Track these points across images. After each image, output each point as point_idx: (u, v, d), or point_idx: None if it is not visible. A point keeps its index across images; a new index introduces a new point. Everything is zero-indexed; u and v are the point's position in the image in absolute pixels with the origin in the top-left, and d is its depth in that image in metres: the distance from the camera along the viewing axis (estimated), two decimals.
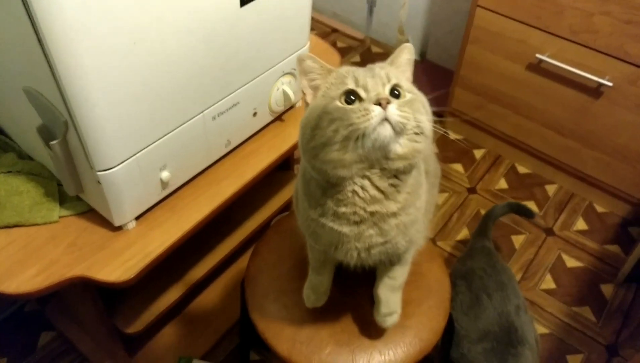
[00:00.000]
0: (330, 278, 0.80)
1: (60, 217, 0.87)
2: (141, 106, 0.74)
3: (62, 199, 0.88)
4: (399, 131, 0.53)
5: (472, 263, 1.17)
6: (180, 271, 1.13)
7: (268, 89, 0.96)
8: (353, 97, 0.55)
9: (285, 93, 0.99)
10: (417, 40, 2.08)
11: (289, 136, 1.05)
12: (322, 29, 2.24)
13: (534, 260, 1.45)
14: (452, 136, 1.79)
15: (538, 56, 1.43)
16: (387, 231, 0.61)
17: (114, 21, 0.64)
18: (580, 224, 1.55)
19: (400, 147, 0.54)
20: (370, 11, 2.15)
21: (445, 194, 1.61)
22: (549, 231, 1.52)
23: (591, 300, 1.37)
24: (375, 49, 2.18)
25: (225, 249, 1.19)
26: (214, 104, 0.86)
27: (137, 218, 0.87)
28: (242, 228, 1.23)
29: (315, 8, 2.27)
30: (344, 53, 2.13)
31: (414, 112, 0.54)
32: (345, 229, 0.60)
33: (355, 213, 0.58)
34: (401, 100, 0.55)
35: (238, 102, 0.91)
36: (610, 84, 1.34)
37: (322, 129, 0.54)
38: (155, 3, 0.67)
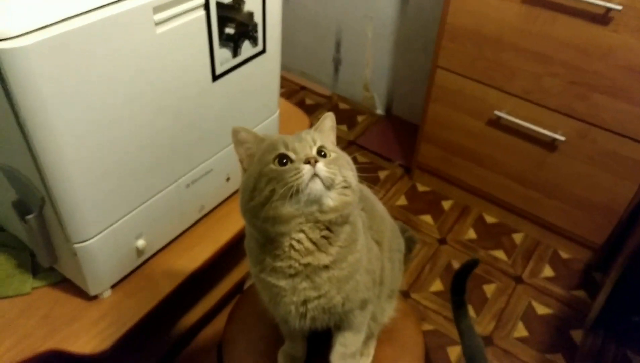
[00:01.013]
0: (303, 344, 0.81)
1: (32, 288, 0.86)
2: (117, 180, 0.76)
3: (35, 269, 0.89)
4: (328, 185, 0.59)
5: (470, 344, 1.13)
6: (154, 335, 1.12)
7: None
8: (285, 160, 0.60)
9: None
10: (383, 96, 2.17)
11: None
12: (290, 87, 2.33)
13: (506, 308, 1.49)
14: (420, 188, 1.85)
15: (496, 112, 1.52)
16: (319, 285, 0.64)
17: (91, 103, 0.67)
18: (547, 271, 1.60)
19: (331, 200, 0.60)
20: (336, 69, 2.25)
21: (417, 246, 1.65)
22: (519, 279, 1.57)
23: (563, 347, 1.40)
24: (342, 105, 2.26)
25: (199, 311, 1.18)
26: (187, 173, 0.90)
27: (112, 286, 0.88)
28: (216, 289, 1.23)
29: (284, 67, 2.36)
30: (313, 110, 2.21)
31: (340, 168, 0.61)
32: (282, 282, 0.64)
33: (290, 266, 0.63)
34: (327, 159, 0.61)
35: (211, 170, 0.94)
36: (563, 138, 1.43)
37: (260, 190, 0.60)
38: (130, 84, 0.71)
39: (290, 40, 2.26)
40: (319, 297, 0.65)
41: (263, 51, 0.92)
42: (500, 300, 1.51)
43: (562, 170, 1.50)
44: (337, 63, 2.23)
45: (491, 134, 1.59)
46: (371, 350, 0.87)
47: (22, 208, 0.78)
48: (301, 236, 0.61)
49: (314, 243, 0.62)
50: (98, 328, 0.82)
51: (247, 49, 0.88)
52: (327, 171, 0.58)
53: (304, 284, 0.64)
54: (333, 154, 0.62)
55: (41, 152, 0.66)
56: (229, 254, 1.29)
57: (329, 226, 0.62)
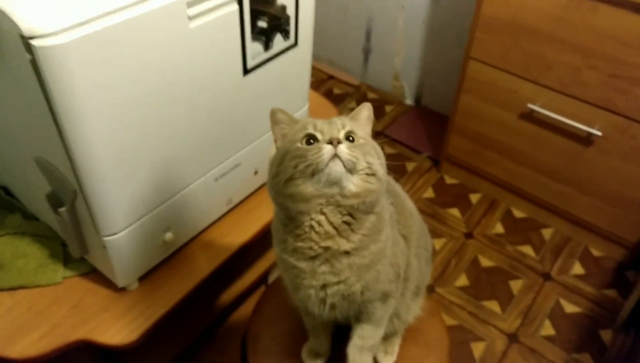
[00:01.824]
0: (327, 339, 0.80)
1: (63, 278, 0.88)
2: (147, 175, 0.76)
3: (66, 259, 0.90)
4: (349, 168, 0.58)
5: None
6: (181, 325, 1.13)
7: (268, 149, 0.99)
8: (312, 140, 0.61)
9: None
10: (412, 87, 2.13)
11: None
12: (319, 76, 2.30)
13: (533, 306, 1.46)
14: (448, 180, 1.82)
15: (529, 105, 1.47)
16: (339, 270, 0.64)
17: (124, 98, 0.67)
18: (577, 269, 1.56)
19: (354, 186, 0.59)
20: (366, 58, 2.21)
21: (443, 240, 1.62)
22: (547, 276, 1.54)
23: (591, 347, 1.37)
24: (370, 95, 2.23)
25: (223, 302, 1.19)
26: (216, 167, 0.89)
27: (140, 279, 0.88)
28: (240, 281, 1.24)
29: (314, 57, 2.33)
30: (341, 99, 2.18)
31: (364, 154, 0.60)
32: (302, 264, 0.64)
33: (310, 247, 0.62)
34: (353, 143, 0.61)
35: (240, 163, 0.94)
36: (599, 133, 1.38)
37: (284, 166, 0.60)
38: (163, 78, 0.71)
39: (319, 29, 2.23)
40: (338, 283, 0.65)
41: (295, 44, 0.90)
42: (527, 297, 1.48)
43: (597, 166, 1.45)
44: (366, 52, 2.19)
45: (523, 127, 1.54)
46: (395, 348, 0.86)
47: (55, 200, 0.79)
48: (321, 218, 0.61)
49: (335, 228, 0.62)
50: (126, 319, 0.84)
51: (279, 42, 0.86)
52: (348, 154, 0.58)
53: (324, 268, 0.64)
54: (361, 141, 0.62)
55: (74, 146, 0.66)
56: (255, 245, 1.30)
57: (351, 213, 0.62)
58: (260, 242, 1.33)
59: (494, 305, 1.45)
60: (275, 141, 0.68)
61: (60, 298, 0.86)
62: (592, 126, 1.39)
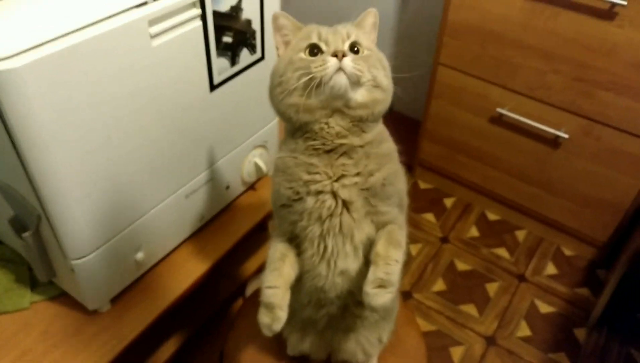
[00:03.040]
0: (286, 284, 0.66)
1: (31, 303, 0.86)
2: (114, 196, 0.75)
3: (33, 283, 0.88)
4: (354, 81, 0.58)
5: None
6: (155, 342, 1.11)
7: (240, 163, 0.99)
8: (316, 51, 0.60)
9: (257, 165, 1.01)
10: None
11: (262, 204, 1.07)
12: None
13: (509, 307, 1.48)
14: (422, 186, 1.84)
15: (499, 110, 1.50)
16: (358, 160, 0.62)
17: (87, 121, 0.66)
18: (551, 269, 1.59)
19: (359, 96, 0.60)
20: None
21: (419, 245, 1.64)
22: (521, 277, 1.56)
23: (566, 346, 1.40)
24: None
25: (201, 316, 1.18)
26: (186, 184, 0.88)
27: (112, 300, 0.87)
28: (217, 293, 1.23)
29: None
30: None
31: (369, 66, 0.60)
32: (314, 159, 0.62)
33: (324, 144, 0.62)
34: (358, 55, 0.60)
35: (211, 179, 0.93)
36: (566, 136, 1.41)
37: (287, 76, 0.60)
38: (127, 99, 0.69)
39: None
40: (357, 174, 0.62)
41: (262, 58, 0.90)
42: (503, 299, 1.50)
43: (565, 167, 1.48)
44: None
45: (494, 131, 1.57)
46: (374, 361, 0.86)
47: (18, 225, 0.77)
48: (330, 120, 0.61)
49: (346, 130, 0.61)
50: (98, 342, 0.82)
51: (245, 56, 0.86)
52: (353, 67, 0.58)
53: (342, 160, 0.62)
54: (366, 52, 0.62)
55: (35, 171, 0.65)
56: (231, 258, 1.29)
57: (359, 121, 0.61)
58: (236, 255, 1.32)
59: (471, 309, 1.47)
60: (277, 49, 0.66)
61: (28, 324, 0.83)
62: (558, 129, 1.42)
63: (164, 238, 0.90)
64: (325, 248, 0.65)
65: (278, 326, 0.63)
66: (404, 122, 2.11)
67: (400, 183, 0.69)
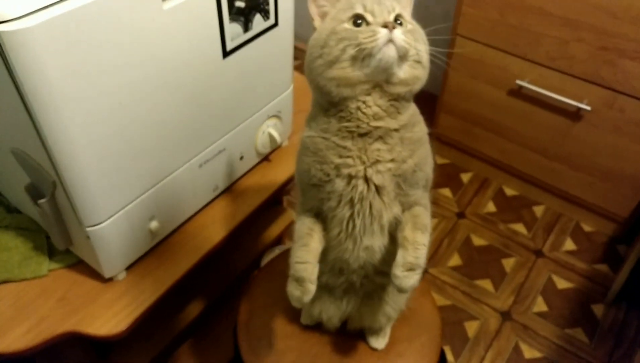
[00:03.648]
0: (315, 257, 0.67)
1: (49, 270, 0.87)
2: (128, 162, 0.75)
3: (51, 251, 0.89)
4: (402, 55, 0.57)
5: None
6: (171, 314, 1.12)
7: (254, 134, 0.98)
8: (360, 21, 0.58)
9: (271, 136, 1.00)
10: None
11: (276, 176, 1.06)
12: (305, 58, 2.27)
13: (525, 283, 1.47)
14: (439, 160, 1.81)
15: (518, 82, 1.46)
16: (392, 146, 0.61)
17: (99, 84, 0.65)
18: (569, 245, 1.57)
19: (402, 72, 0.58)
20: None
21: (435, 220, 1.62)
22: (539, 253, 1.54)
23: (583, 321, 1.38)
24: None
25: (216, 288, 1.19)
26: (200, 153, 0.88)
27: (127, 268, 0.87)
28: (233, 266, 1.23)
29: (297, 38, 2.30)
30: None
31: (415, 40, 0.59)
32: (348, 143, 0.61)
33: (359, 126, 0.60)
34: (404, 28, 0.59)
35: (224, 149, 0.92)
36: (588, 108, 1.37)
37: (330, 47, 0.58)
38: (139, 63, 0.69)
39: (304, 10, 2.19)
40: (392, 160, 0.62)
41: (275, 24, 0.88)
42: (520, 275, 1.48)
43: (587, 141, 1.45)
44: None
45: (513, 104, 1.53)
46: (387, 330, 0.86)
47: (34, 192, 0.77)
48: (368, 98, 0.59)
49: (384, 110, 0.60)
50: (114, 309, 0.82)
51: (258, 23, 0.84)
52: (403, 40, 0.56)
53: (377, 145, 0.61)
54: (409, 26, 0.60)
55: (49, 136, 0.64)
56: (246, 231, 1.29)
57: (396, 99, 0.60)
58: (251, 228, 1.32)
59: (487, 284, 1.46)
60: (313, 21, 0.64)
61: (46, 291, 0.85)
62: (580, 101, 1.38)
63: (177, 207, 0.90)
64: (354, 227, 0.66)
65: (308, 298, 0.66)
66: (421, 97, 2.07)
67: (428, 166, 0.68)
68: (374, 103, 0.59)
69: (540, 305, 1.41)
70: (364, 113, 0.59)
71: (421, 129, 0.66)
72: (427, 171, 0.68)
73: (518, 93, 1.50)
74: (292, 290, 0.66)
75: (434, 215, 1.61)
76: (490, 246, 1.55)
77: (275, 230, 1.35)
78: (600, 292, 1.45)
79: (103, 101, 0.67)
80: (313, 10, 0.64)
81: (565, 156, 1.52)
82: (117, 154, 0.72)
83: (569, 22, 1.30)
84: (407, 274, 0.62)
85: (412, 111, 0.64)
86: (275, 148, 1.06)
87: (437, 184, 1.73)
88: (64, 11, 0.57)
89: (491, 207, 1.67)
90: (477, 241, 1.57)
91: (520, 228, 1.61)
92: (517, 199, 1.69)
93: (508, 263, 1.51)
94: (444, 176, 1.76)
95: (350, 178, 0.62)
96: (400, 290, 0.63)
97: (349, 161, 0.62)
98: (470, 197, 1.70)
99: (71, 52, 0.60)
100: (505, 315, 1.39)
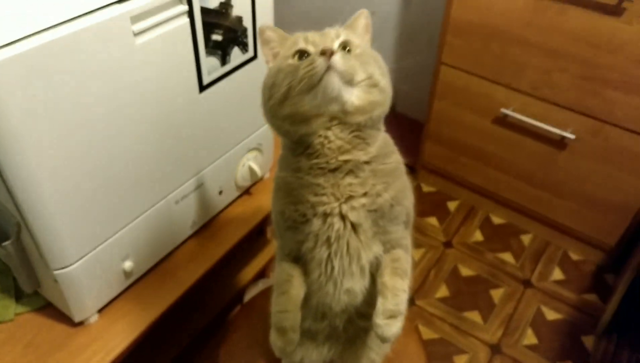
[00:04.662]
0: (296, 305, 0.66)
1: (15, 314, 0.82)
2: (99, 201, 0.71)
3: (18, 294, 0.84)
4: (347, 80, 0.54)
5: None
6: (149, 356, 1.07)
7: (233, 167, 0.95)
8: (305, 55, 0.57)
9: (251, 169, 0.98)
10: None
11: (257, 209, 1.04)
12: None
13: (514, 314, 1.44)
14: (425, 189, 1.79)
15: (503, 110, 1.46)
16: (364, 179, 0.59)
17: (66, 122, 0.62)
18: (557, 274, 1.54)
19: (355, 98, 0.55)
20: None
21: (422, 250, 1.59)
22: (527, 283, 1.52)
23: (574, 354, 1.35)
24: None
25: (197, 327, 1.14)
26: (176, 189, 0.85)
27: (99, 311, 0.83)
28: (214, 302, 1.19)
29: None
30: None
31: (363, 64, 0.56)
32: (320, 179, 0.59)
33: (327, 162, 0.58)
34: (350, 53, 0.57)
35: (202, 184, 0.89)
36: (572, 136, 1.37)
37: (277, 86, 0.56)
38: (110, 99, 0.66)
39: None
40: (365, 194, 0.59)
41: (254, 57, 0.86)
42: (509, 306, 1.45)
43: (572, 169, 1.44)
44: None
45: (498, 132, 1.52)
46: None
47: (0, 233, 0.73)
48: (329, 133, 0.57)
49: (348, 142, 0.57)
50: (85, 356, 0.78)
51: (236, 55, 0.82)
52: (344, 64, 0.53)
53: (348, 179, 0.59)
54: (358, 50, 0.58)
55: (12, 177, 0.61)
56: (228, 264, 1.25)
57: (359, 129, 0.57)
58: (234, 261, 1.28)
59: (475, 316, 1.43)
60: (267, 63, 0.63)
61: (12, 337, 0.80)
62: (565, 130, 1.38)
63: (153, 246, 0.86)
64: (333, 269, 0.63)
65: (291, 348, 0.64)
66: (406, 124, 2.07)
67: (407, 200, 0.66)
68: (335, 137, 0.57)
69: (530, 338, 1.38)
70: (329, 148, 0.57)
71: (395, 160, 0.63)
72: (407, 206, 0.65)
73: (503, 121, 1.49)
74: (275, 340, 0.64)
75: (420, 244, 1.60)
76: (478, 277, 1.52)
77: (259, 262, 1.31)
78: (589, 323, 1.42)
79: (72, 139, 0.64)
80: (266, 52, 0.63)
81: (552, 184, 1.51)
82: (87, 193, 0.69)
83: (552, 53, 1.31)
84: (388, 322, 0.60)
85: (382, 141, 0.61)
86: (256, 181, 1.04)
87: (424, 213, 1.71)
88: (30, 47, 0.55)
89: (478, 236, 1.64)
90: (465, 271, 1.54)
91: (508, 257, 1.58)
92: (505, 228, 1.68)
93: (496, 294, 1.48)
94: (431, 205, 1.74)
95: (325, 216, 0.60)
96: (383, 340, 0.60)
97: (324, 198, 0.59)
98: (457, 226, 1.68)
99: (37, 89, 0.57)
100: (495, 348, 1.35)
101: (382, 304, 0.60)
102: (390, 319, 0.60)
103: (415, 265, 1.55)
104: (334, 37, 0.58)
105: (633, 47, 1.19)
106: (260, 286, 1.27)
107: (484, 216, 1.71)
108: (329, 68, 0.53)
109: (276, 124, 0.59)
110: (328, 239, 0.61)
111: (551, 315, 1.44)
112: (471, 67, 1.47)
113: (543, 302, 1.47)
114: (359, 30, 0.63)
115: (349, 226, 0.61)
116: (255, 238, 1.33)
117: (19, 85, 0.56)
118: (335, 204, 0.59)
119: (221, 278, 1.24)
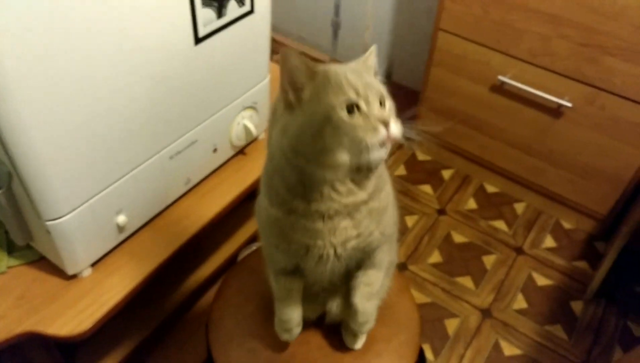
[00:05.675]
0: (298, 309, 0.75)
1: (8, 267, 0.82)
2: (91, 153, 0.70)
3: (11, 247, 0.84)
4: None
5: None
6: (142, 313, 1.08)
7: (228, 125, 0.94)
8: (353, 108, 0.54)
9: (246, 128, 0.97)
10: (383, 62, 2.09)
11: (251, 170, 1.03)
12: None
13: (505, 280, 1.45)
14: (420, 157, 1.79)
15: (500, 77, 1.44)
16: (359, 221, 0.61)
17: (57, 68, 0.61)
18: (549, 242, 1.56)
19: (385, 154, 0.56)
20: (335, 34, 2.15)
21: (415, 217, 1.60)
22: (519, 250, 1.53)
23: (562, 318, 1.38)
24: None
25: (190, 285, 1.15)
26: (170, 144, 0.84)
27: (93, 264, 0.83)
28: (208, 263, 1.19)
29: (280, 31, 2.26)
30: None
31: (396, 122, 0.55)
32: (318, 224, 0.59)
33: (329, 208, 0.58)
34: (389, 112, 0.56)
35: (196, 140, 0.88)
36: (569, 104, 1.36)
37: (325, 137, 0.53)
38: (103, 47, 0.64)
39: (287, 4, 2.16)
40: (358, 236, 0.62)
41: (251, 11, 0.84)
42: (500, 272, 1.47)
43: (567, 138, 1.44)
44: (335, 27, 2.13)
45: (495, 100, 1.52)
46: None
47: None
48: (347, 179, 0.57)
49: (356, 183, 0.58)
50: (77, 308, 0.78)
51: (233, 8, 0.81)
52: (398, 134, 0.53)
53: (345, 223, 0.60)
54: (387, 103, 0.56)
55: (3, 124, 0.60)
56: (221, 225, 1.25)
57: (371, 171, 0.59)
58: (229, 221, 1.28)
59: (467, 281, 1.44)
60: (285, 92, 0.55)
61: (4, 289, 0.80)
62: (562, 97, 1.37)
63: (147, 201, 0.86)
64: (321, 270, 0.68)
65: (296, 335, 0.76)
66: (403, 93, 2.05)
67: (393, 225, 0.70)
68: (350, 180, 0.57)
69: (520, 302, 1.40)
70: (336, 191, 0.57)
71: (387, 191, 0.65)
72: (394, 231, 0.70)
73: (500, 89, 1.48)
74: (282, 334, 0.76)
75: (413, 212, 1.60)
76: (470, 243, 1.54)
77: (252, 225, 1.31)
78: (579, 289, 1.44)
79: (64, 88, 0.62)
80: (285, 81, 0.55)
81: (547, 153, 1.51)
82: (79, 143, 0.68)
83: (552, 19, 1.29)
84: (361, 327, 0.75)
85: (379, 171, 0.61)
86: (251, 140, 1.03)
87: (418, 180, 1.71)
88: None
89: (472, 204, 1.65)
90: (458, 238, 1.55)
91: (501, 225, 1.60)
92: (498, 196, 1.68)
93: (489, 260, 1.50)
94: (425, 173, 1.74)
95: (320, 257, 0.64)
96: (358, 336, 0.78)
97: (319, 242, 0.61)
98: (451, 194, 1.68)
99: (28, 36, 0.56)
100: (485, 313, 1.37)
101: (354, 319, 0.73)
102: (363, 325, 0.74)
103: (408, 231, 1.56)
104: (377, 93, 0.55)
105: (634, 13, 1.18)
106: (254, 248, 1.27)
107: (478, 185, 1.71)
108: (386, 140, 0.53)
109: (298, 163, 0.56)
110: (318, 260, 0.65)
111: (542, 281, 1.46)
112: (469, 33, 1.45)
113: (534, 268, 1.48)
114: (372, 68, 0.61)
115: (341, 260, 0.65)
116: (248, 201, 1.33)
117: (10, 31, 0.54)
118: (331, 250, 0.62)
119: (213, 241, 1.24)
